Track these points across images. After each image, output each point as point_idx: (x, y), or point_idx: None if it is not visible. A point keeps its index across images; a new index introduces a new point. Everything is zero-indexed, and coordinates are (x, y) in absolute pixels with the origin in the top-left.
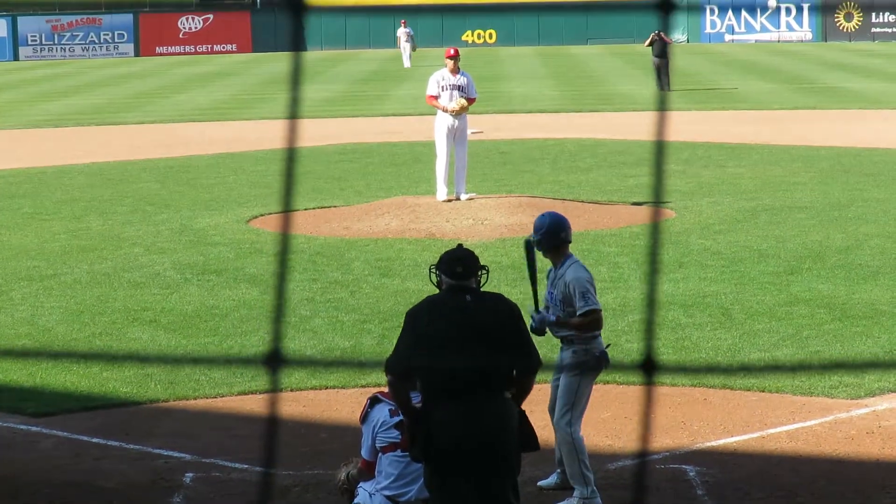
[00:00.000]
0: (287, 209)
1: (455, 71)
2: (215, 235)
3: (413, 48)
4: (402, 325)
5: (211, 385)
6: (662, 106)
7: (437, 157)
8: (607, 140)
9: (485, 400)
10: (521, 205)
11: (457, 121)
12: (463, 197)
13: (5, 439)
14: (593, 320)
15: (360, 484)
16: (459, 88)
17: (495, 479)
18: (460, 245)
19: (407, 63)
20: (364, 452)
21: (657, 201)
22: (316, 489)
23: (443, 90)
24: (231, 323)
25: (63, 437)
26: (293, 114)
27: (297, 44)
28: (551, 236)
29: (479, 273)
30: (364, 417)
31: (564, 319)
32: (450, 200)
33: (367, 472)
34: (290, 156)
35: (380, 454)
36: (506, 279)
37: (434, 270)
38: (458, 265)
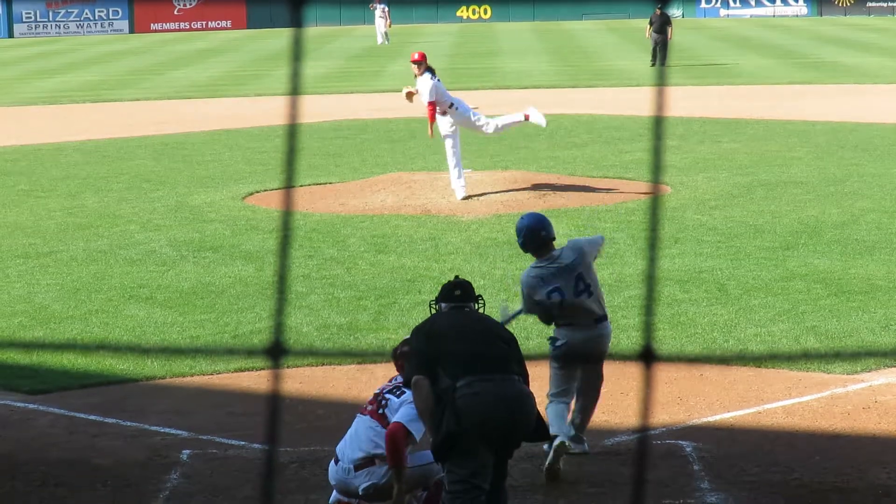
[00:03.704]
0: (288, 198)
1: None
2: (211, 212)
3: (388, 25)
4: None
5: (208, 362)
6: (661, 81)
7: (456, 156)
8: (603, 115)
9: (506, 379)
10: (517, 180)
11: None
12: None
13: (1, 417)
14: None
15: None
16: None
17: (501, 456)
18: (457, 276)
19: (380, 40)
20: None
21: (655, 180)
22: (312, 465)
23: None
24: (227, 300)
25: (59, 414)
26: (294, 90)
27: (297, 35)
28: (534, 236)
29: (475, 302)
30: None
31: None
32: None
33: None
34: (292, 133)
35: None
36: (501, 255)
37: (434, 305)
38: (457, 289)
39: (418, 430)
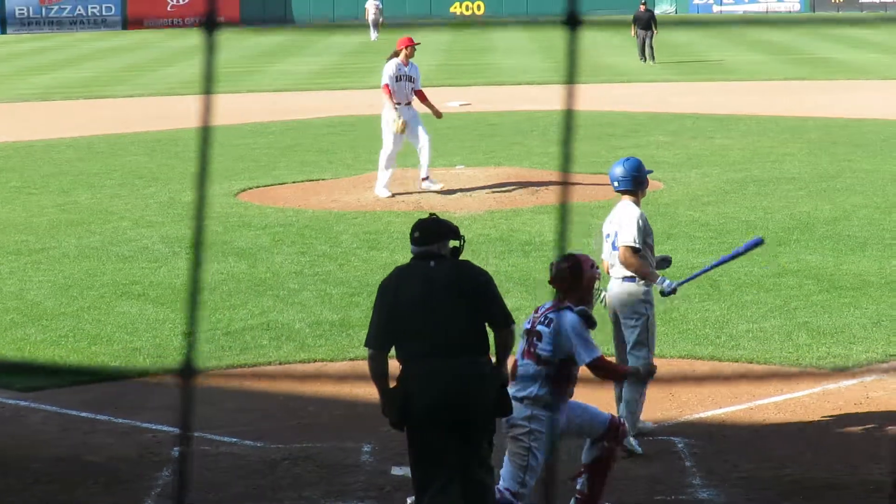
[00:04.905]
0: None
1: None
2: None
3: (381, 22)
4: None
5: (199, 359)
6: (571, 79)
7: (384, 148)
8: (595, 112)
9: (453, 362)
10: (510, 177)
11: (406, 111)
12: (433, 186)
13: None
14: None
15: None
16: (410, 80)
17: (462, 442)
18: (431, 214)
19: (373, 36)
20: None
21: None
22: (305, 462)
23: (397, 81)
24: (219, 296)
25: (52, 411)
26: (207, 90)
27: (209, 59)
28: (638, 176)
29: (444, 240)
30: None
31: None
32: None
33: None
34: (205, 136)
35: None
36: (493, 252)
37: None
38: (416, 231)
39: (589, 353)
